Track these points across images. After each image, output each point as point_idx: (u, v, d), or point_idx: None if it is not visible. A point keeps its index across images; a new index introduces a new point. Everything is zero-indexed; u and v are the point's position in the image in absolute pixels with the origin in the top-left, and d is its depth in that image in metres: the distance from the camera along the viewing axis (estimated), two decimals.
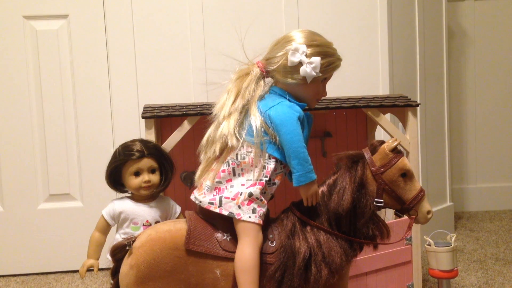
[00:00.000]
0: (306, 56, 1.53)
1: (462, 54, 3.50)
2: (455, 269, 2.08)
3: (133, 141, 1.78)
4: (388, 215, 2.17)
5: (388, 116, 2.26)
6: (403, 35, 2.77)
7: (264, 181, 1.52)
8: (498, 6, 3.48)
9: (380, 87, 2.62)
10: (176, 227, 1.54)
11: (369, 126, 2.28)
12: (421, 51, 2.89)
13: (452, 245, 2.08)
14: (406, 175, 1.54)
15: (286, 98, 1.56)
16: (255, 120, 1.52)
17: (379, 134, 2.31)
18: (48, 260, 2.65)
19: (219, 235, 1.53)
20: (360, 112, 2.17)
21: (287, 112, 1.50)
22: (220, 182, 1.55)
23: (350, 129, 2.27)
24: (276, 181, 1.56)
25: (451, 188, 3.24)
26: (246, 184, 1.52)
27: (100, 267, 1.75)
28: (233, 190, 1.53)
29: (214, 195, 1.54)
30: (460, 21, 3.48)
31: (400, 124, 2.13)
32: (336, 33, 2.51)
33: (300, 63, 1.53)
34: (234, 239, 1.52)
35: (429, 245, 2.09)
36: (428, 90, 2.97)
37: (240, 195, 1.51)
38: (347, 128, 2.27)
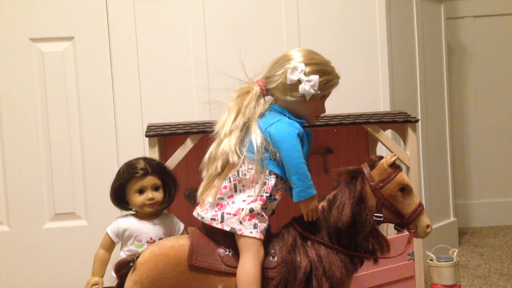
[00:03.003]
0: (305, 74, 1.57)
1: (462, 70, 3.53)
2: (458, 283, 2.09)
3: (137, 159, 1.81)
4: (390, 231, 2.18)
5: (389, 132, 2.28)
6: (403, 52, 2.80)
7: (265, 197, 1.55)
8: (497, 23, 3.51)
9: (381, 104, 2.64)
10: (179, 243, 1.56)
11: (370, 142, 2.30)
12: (421, 67, 2.92)
13: (454, 260, 2.08)
14: (405, 189, 1.57)
15: (286, 116, 1.59)
16: (256, 137, 1.55)
17: (380, 150, 2.32)
18: (54, 278, 2.66)
19: (221, 250, 1.55)
20: (361, 129, 2.20)
21: (286, 129, 1.54)
22: (222, 198, 1.58)
23: (351, 145, 2.30)
24: (277, 196, 1.59)
25: (455, 204, 3.24)
26: (247, 200, 1.55)
27: (104, 284, 1.76)
28: (235, 206, 1.55)
29: (216, 211, 1.56)
30: (460, 38, 3.51)
31: (401, 140, 2.16)
32: (336, 51, 2.55)
33: (299, 81, 1.57)
34: (236, 254, 1.54)
35: (432, 260, 2.10)
36: (429, 106, 3.00)
37: (242, 210, 1.53)
38: (349, 145, 2.30)
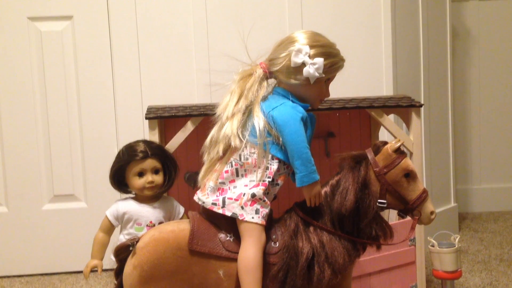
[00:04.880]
0: (309, 57, 1.53)
1: (466, 54, 3.50)
2: (459, 270, 2.08)
3: (137, 141, 1.79)
4: (392, 216, 2.17)
5: (392, 116, 2.26)
6: (407, 35, 2.76)
7: (267, 181, 1.53)
8: (503, 6, 3.48)
9: (384, 88, 2.62)
10: (180, 228, 1.55)
11: (372, 127, 2.28)
12: (425, 51, 2.88)
13: (456, 246, 2.08)
14: (409, 175, 1.55)
15: (289, 99, 1.56)
16: (258, 121, 1.52)
17: (383, 134, 2.30)
18: (53, 260, 2.66)
19: (222, 235, 1.54)
20: (363, 113, 2.17)
21: (290, 113, 1.51)
22: (223, 183, 1.55)
23: (353, 129, 2.27)
24: (279, 181, 1.56)
25: (455, 189, 3.23)
26: (249, 184, 1.53)
27: (104, 267, 1.75)
28: (236, 190, 1.53)
29: (217, 196, 1.54)
30: (464, 21, 3.47)
31: (404, 124, 2.13)
32: (340, 34, 2.51)
33: (303, 64, 1.53)
34: (237, 239, 1.53)
35: (433, 246, 2.09)
36: (432, 91, 2.97)
37: (243, 195, 1.51)
38: (351, 129, 2.27)
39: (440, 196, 3.06)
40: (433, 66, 2.97)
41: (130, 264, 1.51)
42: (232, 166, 1.55)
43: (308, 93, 1.58)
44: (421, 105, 2.03)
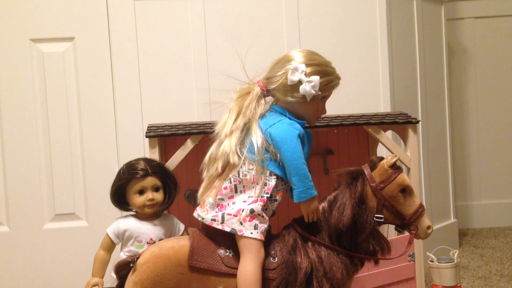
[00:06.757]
0: (306, 75, 1.57)
1: (463, 71, 3.53)
2: (458, 285, 2.09)
3: (137, 160, 1.81)
4: (390, 232, 2.18)
5: (389, 133, 2.28)
6: (404, 53, 2.80)
7: (265, 197, 1.55)
8: (498, 24, 3.52)
9: (381, 105, 2.65)
10: (179, 244, 1.56)
11: (370, 143, 2.30)
12: (422, 68, 2.92)
13: (455, 261, 2.08)
14: (406, 190, 1.56)
15: (286, 116, 1.59)
16: (256, 138, 1.55)
17: (381, 151, 2.33)
18: (54, 279, 2.66)
19: (221, 251, 1.55)
20: (361, 130, 2.20)
21: (287, 130, 1.54)
22: (222, 199, 1.57)
23: (352, 146, 2.29)
24: (277, 197, 1.58)
25: (455, 205, 3.24)
26: (248, 200, 1.55)
27: (104, 285, 1.76)
28: (235, 206, 1.55)
29: (216, 212, 1.56)
30: (460, 39, 3.51)
31: (402, 141, 2.15)
32: (337, 52, 2.55)
33: (300, 82, 1.57)
34: (237, 255, 1.54)
35: (432, 261, 2.09)
36: (430, 107, 3.00)
37: (242, 211, 1.53)
38: (349, 145, 2.30)
39: (439, 212, 3.07)
40: (430, 83, 3.00)
41: (130, 281, 1.52)
42: (231, 182, 1.57)
43: (305, 110, 1.61)
44: (417, 121, 2.06)
